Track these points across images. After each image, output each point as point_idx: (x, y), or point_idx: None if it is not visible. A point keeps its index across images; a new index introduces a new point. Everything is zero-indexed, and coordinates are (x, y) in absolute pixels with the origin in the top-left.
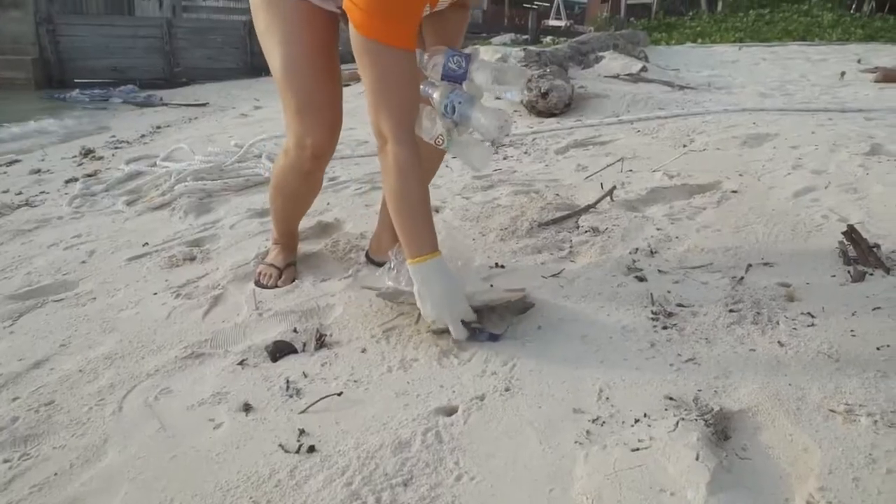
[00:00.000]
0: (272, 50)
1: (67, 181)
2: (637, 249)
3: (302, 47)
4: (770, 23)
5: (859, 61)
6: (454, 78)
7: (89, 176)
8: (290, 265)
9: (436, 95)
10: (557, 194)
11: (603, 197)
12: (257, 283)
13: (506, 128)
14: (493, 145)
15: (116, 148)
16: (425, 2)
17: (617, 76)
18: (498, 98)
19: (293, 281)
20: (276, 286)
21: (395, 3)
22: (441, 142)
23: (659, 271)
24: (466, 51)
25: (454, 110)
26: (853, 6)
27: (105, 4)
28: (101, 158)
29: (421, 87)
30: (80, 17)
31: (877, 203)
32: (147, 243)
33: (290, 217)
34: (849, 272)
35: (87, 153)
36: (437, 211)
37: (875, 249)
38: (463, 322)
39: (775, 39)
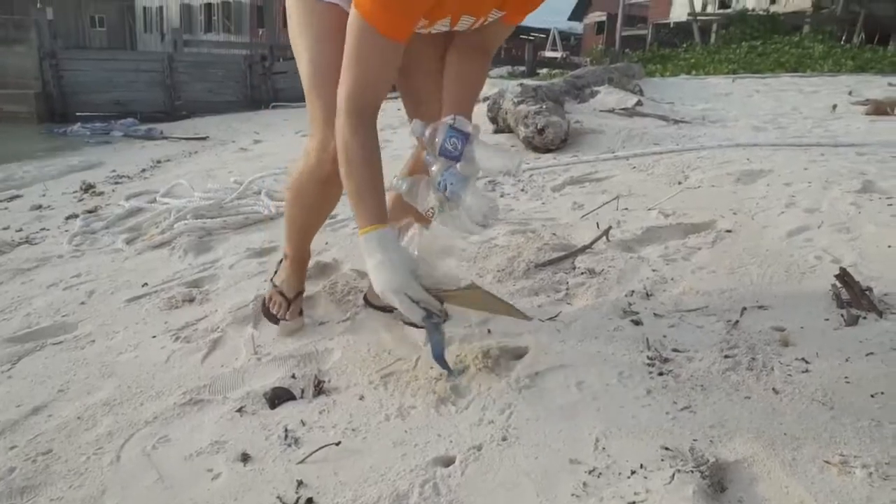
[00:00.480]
0: (302, 54)
1: (68, 217)
2: (633, 292)
3: (332, 55)
4: (763, 54)
5: (850, 93)
6: (450, 157)
7: (89, 212)
8: (299, 294)
9: (433, 169)
10: (554, 234)
11: (599, 237)
12: (264, 309)
13: (491, 215)
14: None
15: (117, 183)
16: (426, 11)
17: (612, 110)
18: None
19: (300, 315)
20: (285, 319)
21: (400, 2)
22: (431, 214)
23: (655, 314)
24: (468, 128)
25: (447, 188)
26: (843, 38)
27: (108, 39)
28: (101, 194)
29: (424, 155)
30: (84, 52)
31: (869, 244)
32: (146, 283)
33: (306, 229)
34: (842, 315)
35: (88, 188)
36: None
37: (867, 292)
38: (413, 300)
39: (768, 71)
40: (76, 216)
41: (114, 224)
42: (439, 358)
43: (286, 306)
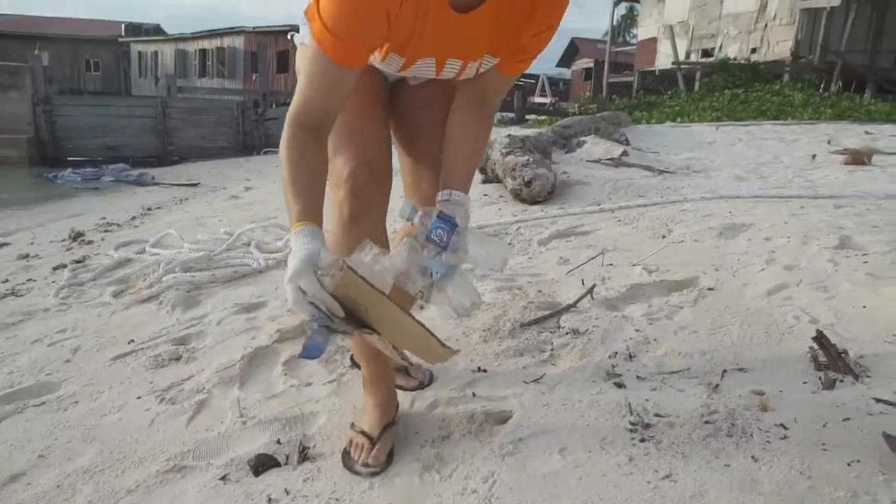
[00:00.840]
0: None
1: (55, 267)
2: (616, 353)
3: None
4: (745, 102)
5: (829, 142)
6: (436, 246)
7: (78, 262)
8: (388, 427)
9: (424, 253)
10: (540, 290)
11: (583, 296)
12: (345, 459)
13: (473, 308)
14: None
15: (106, 231)
16: (385, 37)
17: (599, 161)
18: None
19: (389, 454)
20: (367, 465)
21: (354, 30)
22: (420, 297)
23: (637, 377)
24: (457, 217)
25: (432, 275)
26: (821, 86)
27: (103, 82)
28: (90, 242)
29: (416, 237)
30: (78, 98)
31: (845, 303)
32: (133, 340)
33: None
34: (820, 379)
35: (77, 236)
36: (421, 308)
37: (843, 355)
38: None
39: (750, 118)
40: (64, 266)
41: (102, 275)
42: (308, 358)
43: (369, 448)
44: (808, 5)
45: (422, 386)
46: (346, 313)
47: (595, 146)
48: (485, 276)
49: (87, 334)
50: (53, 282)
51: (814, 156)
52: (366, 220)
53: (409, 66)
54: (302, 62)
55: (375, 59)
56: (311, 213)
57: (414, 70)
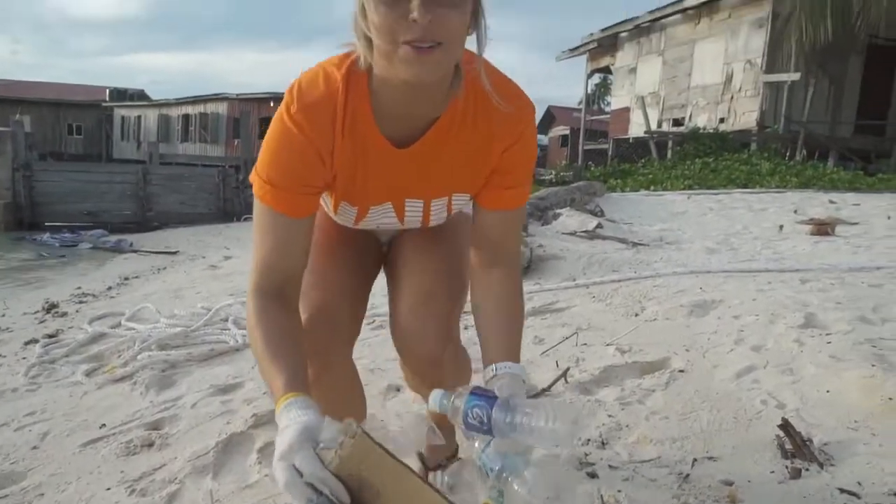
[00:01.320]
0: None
1: (27, 342)
2: (589, 440)
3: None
4: (715, 170)
5: (796, 211)
6: (479, 432)
7: (50, 336)
8: None
9: (475, 447)
10: None
11: (558, 379)
12: None
13: (568, 488)
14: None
15: (81, 302)
16: (325, 178)
17: (574, 233)
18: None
19: None
20: None
21: (288, 174)
22: None
23: (610, 466)
24: (497, 390)
25: (488, 474)
26: (787, 154)
27: (84, 146)
28: (64, 314)
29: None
30: (58, 164)
31: (810, 387)
32: (104, 424)
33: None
34: (787, 467)
35: (51, 308)
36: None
37: (808, 443)
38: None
39: (721, 186)
40: (36, 341)
41: (75, 351)
42: None
43: None
44: (771, 79)
45: None
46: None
47: (570, 219)
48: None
49: (56, 417)
50: (24, 358)
51: (781, 226)
52: (327, 376)
53: (363, 215)
54: (253, 229)
55: (330, 211)
56: (298, 383)
57: (373, 219)
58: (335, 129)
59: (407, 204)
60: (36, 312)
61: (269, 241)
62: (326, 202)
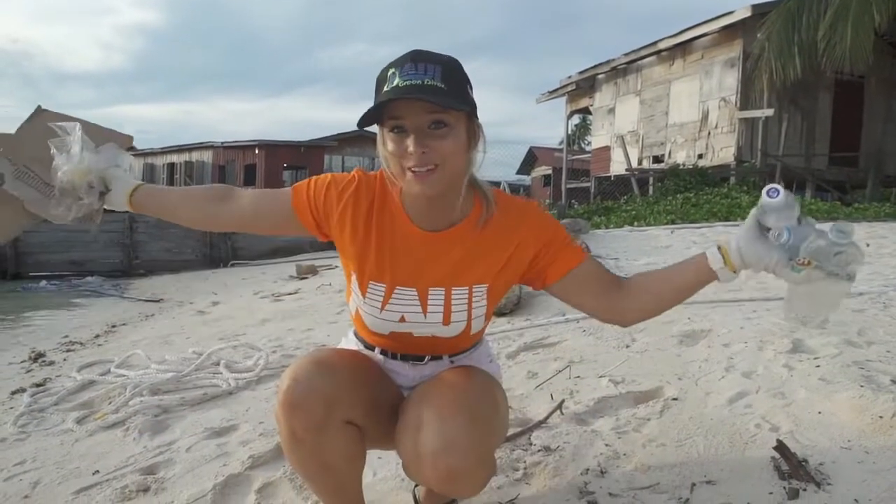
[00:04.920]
0: None
1: (14, 392)
2: (588, 469)
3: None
4: (696, 205)
5: None
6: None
7: (38, 385)
8: None
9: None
10: (510, 406)
11: (553, 411)
12: None
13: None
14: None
15: (69, 350)
16: (319, 222)
17: None
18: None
19: None
20: None
21: (308, 185)
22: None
23: (610, 494)
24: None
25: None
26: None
27: None
28: (52, 363)
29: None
30: None
31: (802, 410)
32: (98, 471)
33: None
34: (784, 489)
35: (37, 357)
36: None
37: (804, 463)
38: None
39: (703, 220)
40: (23, 391)
41: (64, 400)
42: None
43: None
44: (745, 115)
45: None
46: None
47: None
48: None
49: (47, 465)
50: (11, 408)
51: None
52: (311, 440)
53: (389, 296)
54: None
55: (359, 299)
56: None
57: (398, 306)
58: (372, 207)
59: (430, 292)
60: (22, 362)
61: (258, 197)
62: (358, 294)
